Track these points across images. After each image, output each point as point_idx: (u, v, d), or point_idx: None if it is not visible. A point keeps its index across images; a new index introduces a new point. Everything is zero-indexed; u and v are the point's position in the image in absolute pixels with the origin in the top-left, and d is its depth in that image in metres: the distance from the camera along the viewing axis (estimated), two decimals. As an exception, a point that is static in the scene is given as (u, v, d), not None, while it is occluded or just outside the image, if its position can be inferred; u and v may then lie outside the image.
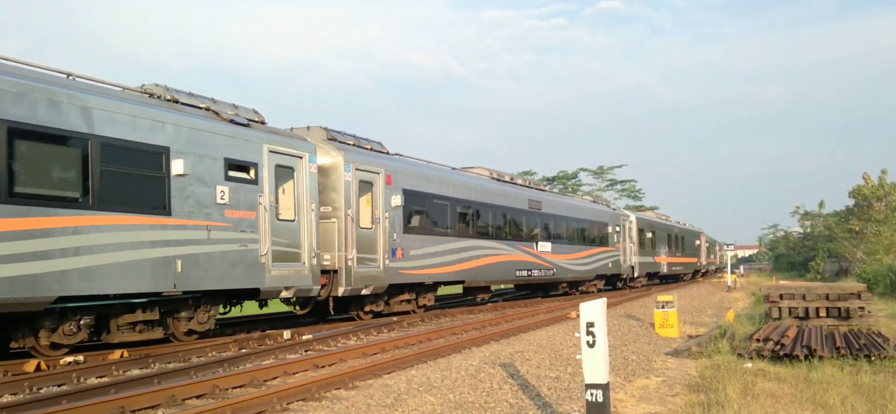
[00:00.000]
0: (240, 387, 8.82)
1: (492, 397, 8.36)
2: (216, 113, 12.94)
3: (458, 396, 8.31)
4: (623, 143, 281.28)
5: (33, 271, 9.52)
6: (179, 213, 11.63)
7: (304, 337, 13.38)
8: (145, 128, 11.22)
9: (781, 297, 15.84)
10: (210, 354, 11.58)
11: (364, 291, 15.67)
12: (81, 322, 10.72)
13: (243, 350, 11.98)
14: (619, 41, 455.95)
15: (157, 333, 11.88)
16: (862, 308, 14.98)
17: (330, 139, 15.87)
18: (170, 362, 10.68)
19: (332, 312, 16.04)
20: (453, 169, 21.86)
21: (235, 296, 13.34)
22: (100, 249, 10.38)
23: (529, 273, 23.68)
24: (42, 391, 8.55)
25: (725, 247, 54.31)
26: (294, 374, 9.77)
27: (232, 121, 12.99)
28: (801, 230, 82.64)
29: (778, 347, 11.51)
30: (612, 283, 33.12)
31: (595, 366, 6.35)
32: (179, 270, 11.51)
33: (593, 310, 6.41)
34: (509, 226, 22.78)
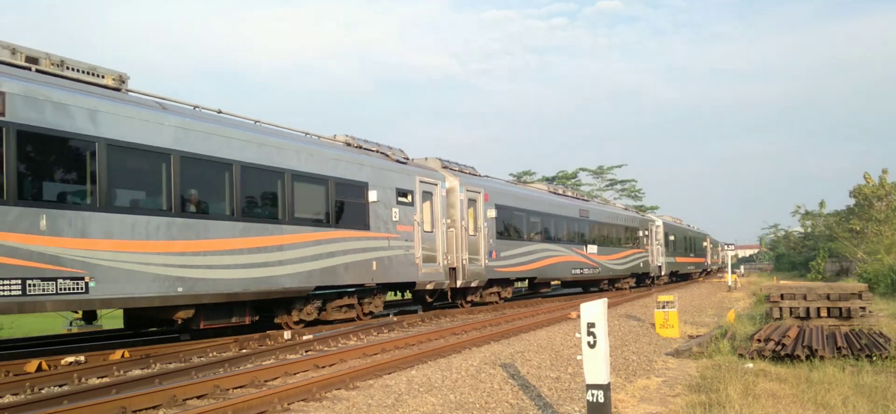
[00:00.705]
0: (241, 387, 8.83)
1: (492, 398, 8.36)
2: (385, 155, 17.67)
3: (459, 396, 8.30)
4: (623, 142, 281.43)
5: (308, 269, 14.10)
6: (373, 228, 16.09)
7: (305, 337, 13.39)
8: (354, 169, 15.87)
9: (782, 297, 15.82)
10: (211, 355, 11.59)
11: (472, 284, 20.22)
12: (316, 305, 14.90)
13: (244, 350, 11.99)
14: (619, 41, 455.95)
15: (353, 314, 16.09)
16: (863, 308, 14.96)
17: (444, 167, 20.40)
18: (171, 363, 10.70)
19: (450, 300, 20.47)
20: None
21: (399, 287, 18.20)
22: (337, 254, 14.97)
23: (581, 271, 28.11)
24: (43, 391, 8.56)
25: (726, 247, 54.40)
26: (295, 374, 9.78)
27: (397, 160, 17.84)
28: (801, 230, 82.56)
29: (779, 347, 11.50)
30: (640, 280, 36.90)
31: (596, 366, 6.35)
32: (375, 268, 16.06)
33: (594, 310, 6.40)
34: (566, 232, 27.22)
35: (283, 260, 13.52)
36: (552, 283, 29.01)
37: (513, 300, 24.34)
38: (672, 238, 42.85)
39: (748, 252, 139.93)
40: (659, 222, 40.11)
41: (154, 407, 7.70)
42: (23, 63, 10.31)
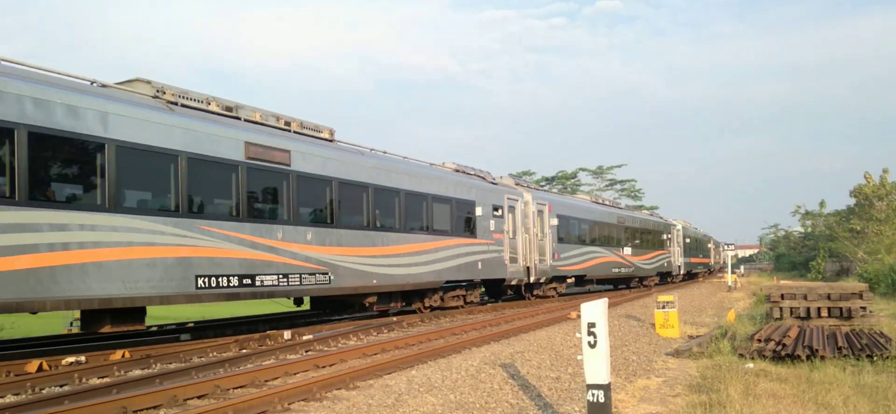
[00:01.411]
0: (241, 387, 8.83)
1: (492, 398, 8.36)
2: (483, 177, 22.31)
3: (459, 396, 8.30)
4: (622, 142, 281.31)
5: (440, 268, 18.53)
6: (478, 236, 20.52)
7: (305, 337, 13.40)
8: (465, 190, 20.24)
9: (783, 297, 15.82)
10: (211, 355, 11.59)
11: (541, 281, 24.71)
12: (439, 295, 19.37)
13: (244, 350, 11.99)
14: (619, 41, 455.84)
15: (459, 302, 20.33)
16: (864, 308, 14.96)
17: (517, 184, 25.10)
18: (171, 363, 10.70)
19: (523, 293, 24.58)
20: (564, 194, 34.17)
21: (493, 283, 22.57)
22: (457, 257, 19.25)
23: (619, 270, 32.69)
24: (44, 391, 8.56)
25: (726, 247, 54.64)
26: (295, 374, 9.78)
27: (492, 182, 22.70)
28: (802, 230, 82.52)
29: (779, 347, 11.50)
30: (663, 278, 41.81)
31: (596, 366, 6.35)
32: (480, 267, 20.47)
33: (594, 310, 6.40)
34: (607, 236, 31.71)
35: (426, 262, 18.04)
36: (594, 279, 32.64)
37: (563, 295, 28.51)
38: (687, 240, 47.65)
39: (748, 252, 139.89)
40: (679, 227, 44.84)
41: (155, 407, 7.70)
42: (282, 126, 14.62)
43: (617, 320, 16.92)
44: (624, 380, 9.96)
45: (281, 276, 13.42)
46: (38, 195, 9.71)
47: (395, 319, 17.16)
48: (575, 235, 27.90)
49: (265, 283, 13.04)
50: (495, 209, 21.55)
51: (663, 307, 15.75)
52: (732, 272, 41.59)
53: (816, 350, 11.02)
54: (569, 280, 28.66)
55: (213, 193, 12.61)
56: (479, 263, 20.40)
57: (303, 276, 13.89)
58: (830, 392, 8.48)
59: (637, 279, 36.42)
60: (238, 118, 13.52)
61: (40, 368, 9.80)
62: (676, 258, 43.62)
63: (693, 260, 50.10)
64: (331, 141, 15.91)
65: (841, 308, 15.07)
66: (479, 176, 22.16)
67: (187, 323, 16.38)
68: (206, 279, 11.85)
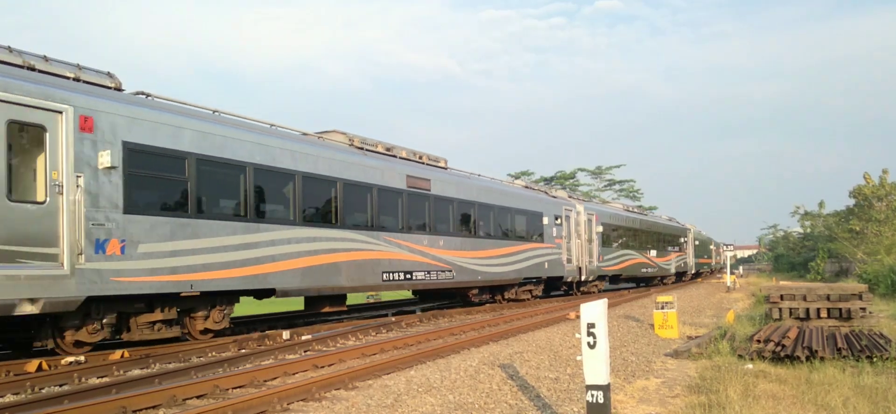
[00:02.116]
0: (240, 387, 8.82)
1: (491, 398, 8.36)
2: (546, 192, 27.61)
3: (458, 396, 8.30)
4: (622, 142, 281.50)
5: (518, 267, 22.82)
6: (545, 241, 24.82)
7: (304, 337, 13.39)
8: (535, 203, 24.76)
9: (782, 297, 15.81)
10: (210, 355, 11.57)
11: (590, 279, 29.11)
12: (514, 289, 23.47)
13: (243, 350, 11.98)
14: (619, 41, 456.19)
15: (527, 295, 24.37)
16: (863, 309, 14.96)
17: (570, 197, 30.71)
18: (170, 363, 10.69)
19: (575, 290, 28.90)
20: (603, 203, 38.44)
21: (553, 280, 26.43)
22: (530, 258, 23.61)
23: (646, 270, 37.58)
24: (43, 391, 8.55)
25: (725, 247, 55.10)
26: (294, 374, 9.77)
27: (553, 196, 27.31)
28: (801, 230, 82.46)
29: (779, 348, 11.50)
30: (679, 277, 46.91)
31: (596, 367, 6.34)
32: (546, 267, 24.80)
33: (594, 311, 6.40)
34: (637, 240, 36.32)
35: (511, 262, 22.36)
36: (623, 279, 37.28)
37: (603, 290, 32.75)
38: (697, 243, 53.15)
39: (747, 253, 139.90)
40: (692, 230, 50.51)
41: (154, 407, 7.69)
42: (416, 159, 19.01)
43: (616, 321, 16.92)
44: (623, 381, 9.96)
45: (426, 272, 18.00)
46: (306, 218, 14.40)
47: (394, 319, 17.16)
48: (613, 240, 32.45)
49: (417, 277, 17.67)
50: (556, 218, 25.90)
51: (662, 308, 15.74)
52: (731, 273, 41.56)
53: (816, 351, 11.02)
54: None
55: (389, 212, 17.08)
56: (546, 263, 24.85)
57: (437, 273, 18.49)
58: (830, 393, 8.48)
59: (658, 278, 41.27)
60: (395, 156, 18.08)
61: (40, 368, 9.79)
62: (690, 259, 49.84)
63: (700, 261, 55.80)
64: (445, 169, 20.43)
65: (840, 309, 15.08)
66: (543, 191, 28.06)
67: None
68: (388, 274, 16.60)
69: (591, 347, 6.35)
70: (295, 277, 13.74)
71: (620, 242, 33.46)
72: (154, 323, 11.72)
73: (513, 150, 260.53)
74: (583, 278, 28.18)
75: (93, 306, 10.62)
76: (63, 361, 10.38)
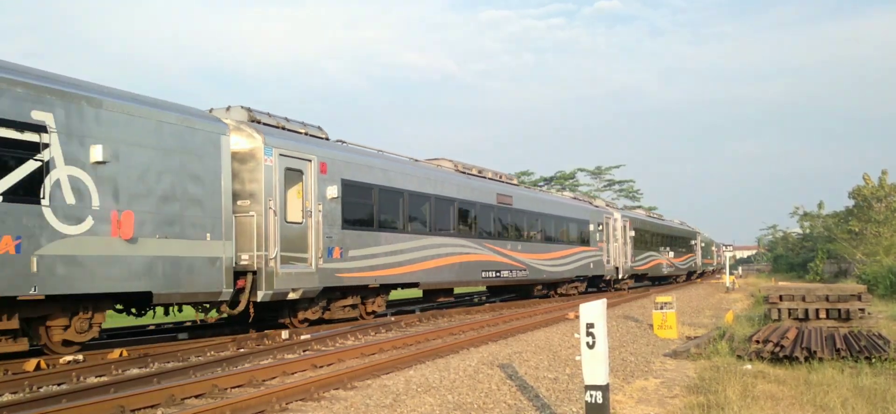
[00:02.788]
0: (239, 387, 8.81)
1: (490, 398, 8.35)
2: (590, 202, 32.29)
3: (457, 396, 8.29)
4: (621, 143, 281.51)
5: (570, 267, 27.12)
6: (591, 245, 29.03)
7: (303, 337, 13.37)
8: (582, 212, 28.98)
9: (781, 298, 15.82)
10: (209, 354, 11.56)
11: (625, 277, 33.40)
12: (566, 285, 27.54)
13: (242, 350, 11.97)
14: (618, 41, 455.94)
15: (574, 290, 28.12)
16: (862, 310, 14.97)
17: (607, 205, 35.00)
18: (169, 362, 10.68)
19: (611, 286, 32.33)
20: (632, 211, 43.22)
21: (596, 278, 30.37)
22: (579, 259, 27.70)
23: (666, 270, 42.14)
24: (42, 390, 8.54)
25: (724, 247, 54.86)
26: (293, 374, 9.76)
27: (595, 206, 31.65)
28: (800, 231, 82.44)
29: (778, 348, 11.49)
30: (688, 276, 51.85)
31: (595, 367, 6.33)
32: (591, 267, 28.86)
33: (593, 311, 6.39)
34: (659, 243, 40.73)
35: (566, 262, 26.72)
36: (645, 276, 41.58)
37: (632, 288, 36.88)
38: (704, 245, 58.97)
39: (746, 253, 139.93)
40: (702, 234, 56.90)
41: (152, 406, 7.68)
42: (497, 178, 23.80)
43: (615, 321, 16.91)
44: (622, 381, 9.95)
45: (509, 271, 22.10)
46: (436, 229, 18.67)
47: (393, 319, 17.15)
48: (642, 243, 36.63)
49: (503, 275, 21.81)
50: (598, 225, 30.14)
51: (661, 308, 15.74)
52: (730, 273, 41.54)
53: (815, 352, 11.01)
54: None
55: (486, 224, 21.29)
56: (591, 264, 29.06)
57: (517, 271, 22.70)
58: (829, 394, 8.48)
59: (673, 277, 45.82)
60: (484, 176, 22.49)
61: (38, 367, 9.79)
62: (699, 259, 55.60)
63: (706, 261, 61.77)
64: (516, 185, 25.13)
65: (839, 309, 15.08)
66: (587, 201, 32.82)
67: (184, 322, 16.37)
68: (485, 273, 20.79)
69: (591, 347, 6.34)
70: (429, 274, 18.19)
71: (645, 244, 37.64)
72: (344, 306, 15.65)
73: (512, 150, 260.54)
74: (619, 277, 32.48)
75: (320, 295, 14.65)
76: (61, 360, 10.38)
